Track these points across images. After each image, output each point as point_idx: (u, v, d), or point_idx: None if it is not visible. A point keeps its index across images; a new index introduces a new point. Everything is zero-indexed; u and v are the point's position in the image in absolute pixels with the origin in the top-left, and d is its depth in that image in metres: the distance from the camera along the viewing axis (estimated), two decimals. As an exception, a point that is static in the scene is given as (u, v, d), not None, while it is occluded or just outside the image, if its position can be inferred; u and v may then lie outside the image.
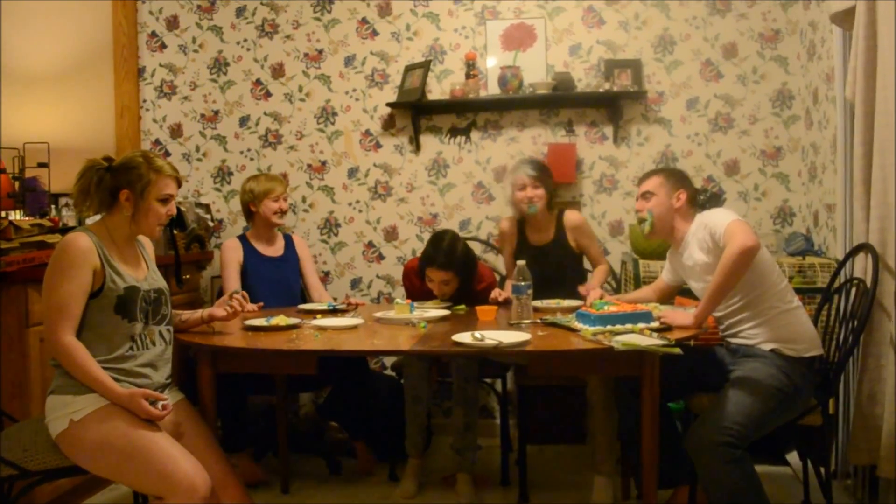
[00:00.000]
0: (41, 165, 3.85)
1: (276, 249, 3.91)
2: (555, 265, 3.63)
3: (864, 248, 2.98)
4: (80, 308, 2.33)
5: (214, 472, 2.37)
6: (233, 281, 3.71)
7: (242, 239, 3.88)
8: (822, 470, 2.84)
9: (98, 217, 2.52)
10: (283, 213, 3.86)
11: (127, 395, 2.30)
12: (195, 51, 4.64)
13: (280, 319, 2.90)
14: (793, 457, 3.53)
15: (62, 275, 2.32)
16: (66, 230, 3.36)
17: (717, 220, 2.78)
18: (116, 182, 2.44)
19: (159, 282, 2.58)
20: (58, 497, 3.20)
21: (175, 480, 2.22)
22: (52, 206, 3.86)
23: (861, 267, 3.02)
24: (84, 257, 2.33)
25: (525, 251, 3.57)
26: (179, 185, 2.56)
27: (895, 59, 2.84)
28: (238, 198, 4.54)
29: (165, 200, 2.49)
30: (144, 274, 2.53)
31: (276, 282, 3.76)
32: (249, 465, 3.63)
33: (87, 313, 2.35)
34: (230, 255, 3.79)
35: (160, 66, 4.67)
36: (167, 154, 4.65)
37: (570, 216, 3.69)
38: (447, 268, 3.36)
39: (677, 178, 3.02)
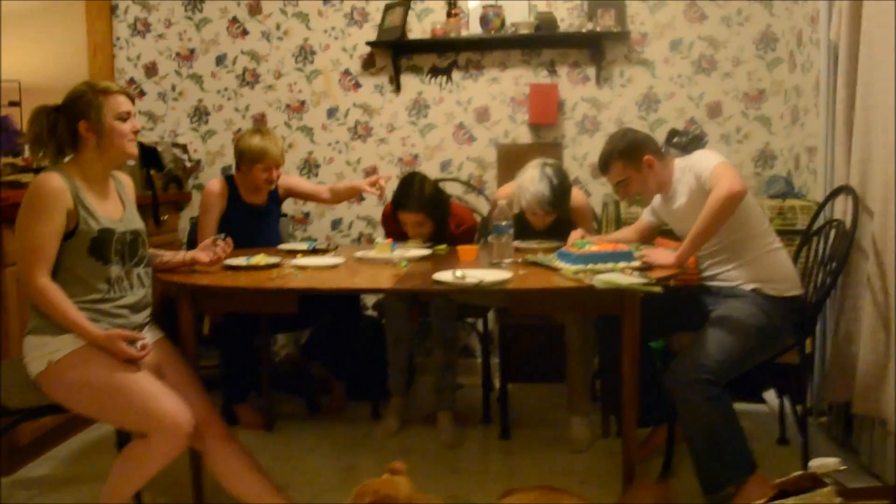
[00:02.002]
0: (13, 104, 3.78)
1: (261, 198, 3.66)
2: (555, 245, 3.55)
3: (844, 189, 2.99)
4: (54, 250, 2.30)
5: (197, 410, 2.36)
6: (209, 230, 3.49)
7: (229, 181, 3.61)
8: (799, 408, 2.90)
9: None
10: (272, 182, 3.56)
11: (104, 337, 2.28)
12: (170, -14, 4.52)
13: (260, 258, 2.88)
14: (769, 395, 3.59)
15: (35, 216, 2.27)
16: (39, 170, 3.29)
17: (703, 163, 2.75)
18: (70, 118, 2.38)
19: (136, 223, 2.53)
20: (41, 436, 3.22)
21: (158, 418, 2.22)
22: (26, 146, 3.78)
23: (841, 209, 3.04)
24: (57, 198, 2.28)
25: (525, 234, 3.40)
26: (132, 100, 2.49)
27: (880, 1, 2.83)
28: (215, 138, 4.52)
29: (124, 119, 2.42)
30: (120, 214, 2.49)
31: (255, 234, 3.55)
32: (251, 414, 3.64)
33: (61, 255, 2.32)
34: (213, 202, 3.55)
35: (133, 2, 4.54)
36: (142, 93, 4.55)
37: (576, 199, 3.48)
38: (418, 209, 3.36)
39: (632, 150, 2.92)
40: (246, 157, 3.48)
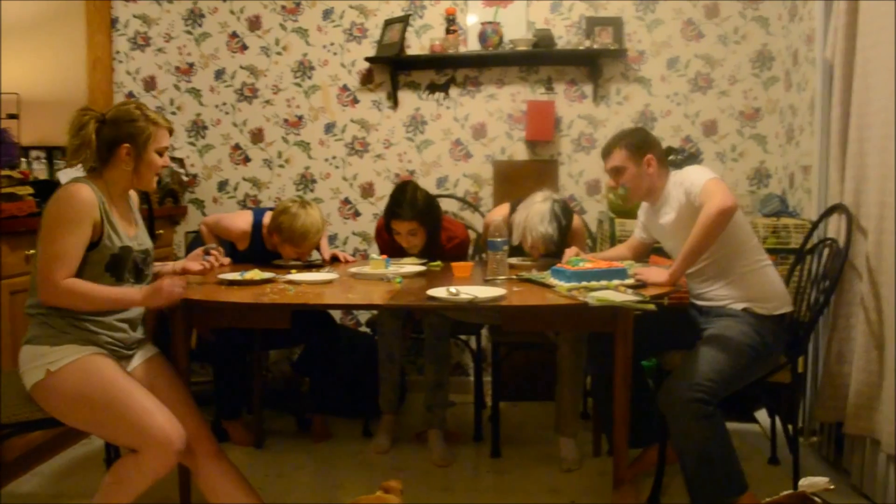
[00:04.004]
0: (11, 117, 3.79)
1: None
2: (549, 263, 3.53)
3: (838, 208, 3.00)
4: (78, 260, 2.29)
5: (188, 426, 2.36)
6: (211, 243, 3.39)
7: (256, 229, 3.48)
8: (790, 427, 2.89)
9: (77, 168, 2.45)
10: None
11: (151, 290, 2.35)
12: (169, 1, 4.53)
13: (254, 273, 2.88)
14: (761, 414, 3.59)
15: (65, 226, 2.27)
16: (36, 183, 3.31)
17: (693, 178, 2.76)
18: (115, 135, 2.38)
19: (147, 242, 2.55)
20: (29, 452, 3.19)
21: (150, 433, 2.22)
22: (23, 159, 3.79)
23: (834, 228, 3.05)
24: (87, 210, 2.29)
25: (519, 251, 3.42)
26: (171, 135, 2.53)
27: (875, 20, 2.84)
28: (212, 152, 4.52)
29: (161, 154, 2.45)
30: (135, 232, 2.50)
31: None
32: (241, 431, 3.62)
33: (80, 265, 2.32)
34: (229, 236, 3.48)
35: (133, 16, 4.57)
36: (141, 107, 4.56)
37: (573, 224, 3.43)
38: (411, 217, 3.36)
39: (640, 144, 2.94)
40: (284, 235, 3.31)
